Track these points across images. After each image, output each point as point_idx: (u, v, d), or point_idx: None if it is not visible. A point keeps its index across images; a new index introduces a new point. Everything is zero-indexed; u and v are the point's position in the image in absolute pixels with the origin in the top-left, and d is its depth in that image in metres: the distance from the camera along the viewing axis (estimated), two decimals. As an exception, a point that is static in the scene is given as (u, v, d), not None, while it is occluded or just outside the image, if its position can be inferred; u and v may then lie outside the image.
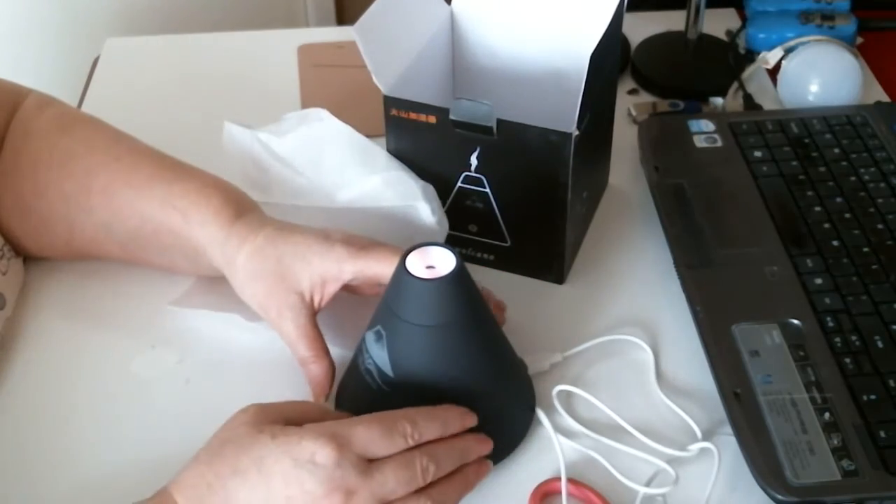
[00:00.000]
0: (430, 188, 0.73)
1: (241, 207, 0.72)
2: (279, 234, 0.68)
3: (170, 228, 0.72)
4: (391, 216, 0.73)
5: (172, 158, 0.76)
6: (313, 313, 0.68)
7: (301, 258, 0.67)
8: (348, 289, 0.70)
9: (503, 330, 0.67)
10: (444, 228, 0.73)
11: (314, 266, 0.66)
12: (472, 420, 0.61)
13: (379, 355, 0.62)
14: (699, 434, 0.67)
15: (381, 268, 0.65)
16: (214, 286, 0.76)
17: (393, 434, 0.57)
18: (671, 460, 0.65)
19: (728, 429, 0.66)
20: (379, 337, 0.62)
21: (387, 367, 0.62)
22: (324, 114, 0.78)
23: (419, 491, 0.58)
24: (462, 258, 0.62)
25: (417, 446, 0.58)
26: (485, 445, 0.62)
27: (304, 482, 0.55)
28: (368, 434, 0.57)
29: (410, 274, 0.61)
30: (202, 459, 0.57)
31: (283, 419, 0.58)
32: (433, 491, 0.58)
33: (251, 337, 0.73)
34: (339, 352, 0.70)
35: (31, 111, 0.78)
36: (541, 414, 0.67)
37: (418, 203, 0.72)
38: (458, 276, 0.61)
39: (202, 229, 0.70)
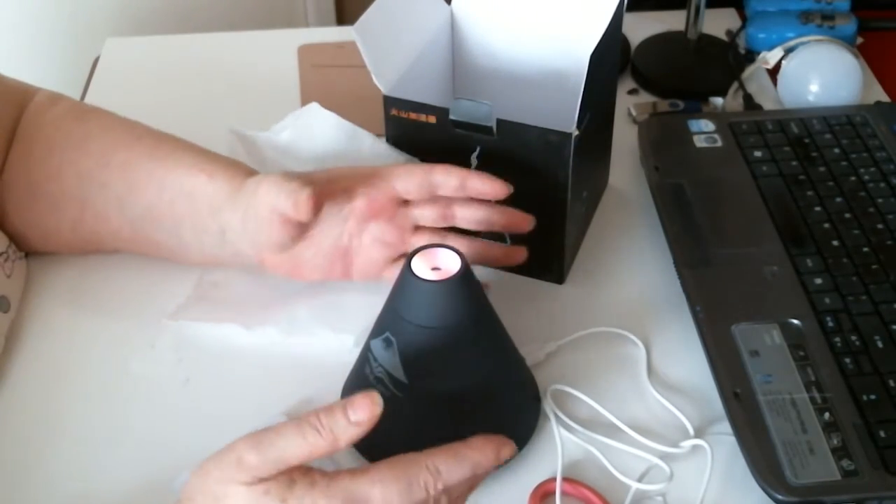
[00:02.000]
0: (416, 161, 0.75)
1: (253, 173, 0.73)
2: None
3: (190, 192, 0.72)
4: None
5: (192, 143, 0.77)
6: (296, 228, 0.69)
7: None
8: (350, 254, 0.71)
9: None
10: None
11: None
12: (508, 451, 0.55)
13: (390, 362, 0.62)
14: (692, 431, 0.67)
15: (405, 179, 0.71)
16: (211, 294, 0.76)
17: (412, 489, 0.51)
18: (664, 457, 0.65)
19: (720, 427, 0.66)
20: (388, 344, 0.62)
21: (399, 374, 0.62)
22: (315, 106, 0.79)
23: None
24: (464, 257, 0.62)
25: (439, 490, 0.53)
26: (504, 451, 0.55)
27: None
28: (385, 495, 0.51)
29: (418, 277, 0.61)
30: None
31: (285, 462, 0.51)
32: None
33: (251, 337, 0.73)
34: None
35: (43, 105, 0.79)
36: (545, 403, 0.68)
37: (402, 158, 0.75)
38: (465, 276, 0.61)
39: (227, 183, 0.72)
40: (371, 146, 0.76)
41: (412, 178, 0.71)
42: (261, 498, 0.50)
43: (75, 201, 0.76)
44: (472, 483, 0.55)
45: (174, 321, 0.75)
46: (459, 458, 0.53)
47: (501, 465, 0.62)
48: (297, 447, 0.50)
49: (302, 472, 0.51)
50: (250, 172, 0.73)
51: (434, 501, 0.52)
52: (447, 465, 0.52)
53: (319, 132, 0.78)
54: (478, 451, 0.54)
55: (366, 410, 0.51)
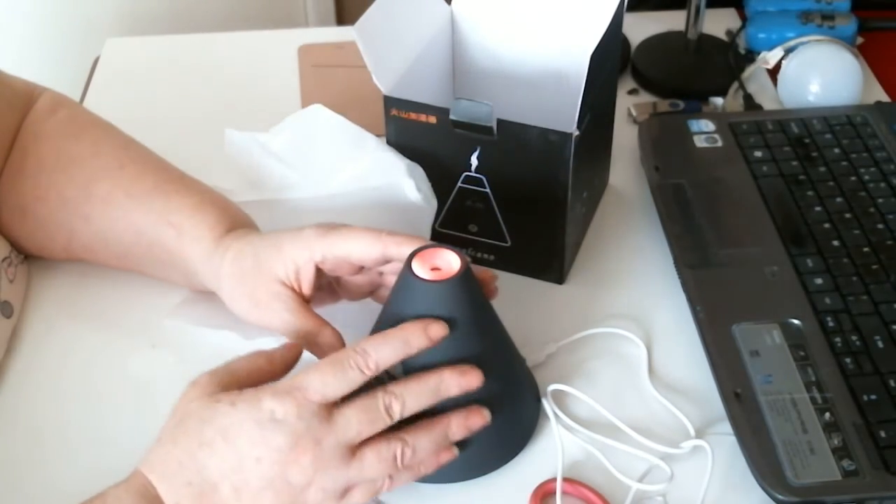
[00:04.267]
0: (418, 167, 0.74)
1: (236, 222, 0.72)
2: (257, 236, 0.69)
3: (164, 245, 0.72)
4: (379, 196, 0.74)
5: (177, 171, 0.76)
6: (303, 300, 0.67)
7: (273, 247, 0.67)
8: (333, 288, 0.70)
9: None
10: (432, 206, 0.73)
11: (285, 252, 0.66)
12: (437, 329, 0.59)
13: None
14: (692, 432, 0.67)
15: (348, 245, 0.64)
16: (210, 297, 0.76)
17: (345, 370, 0.57)
18: (664, 457, 0.65)
19: (721, 427, 0.66)
20: None
21: (399, 374, 0.62)
22: (318, 108, 0.78)
23: (390, 434, 0.58)
24: (466, 257, 0.62)
25: (383, 387, 0.58)
26: (469, 377, 0.60)
27: (270, 440, 0.56)
28: (322, 378, 0.57)
29: (417, 277, 0.61)
30: (166, 438, 0.58)
31: (236, 382, 0.59)
32: (406, 434, 0.58)
33: (250, 342, 0.73)
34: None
35: (42, 113, 0.78)
36: (545, 403, 0.68)
37: (403, 180, 0.72)
38: (465, 276, 0.61)
39: (195, 245, 0.71)
40: (374, 146, 0.76)
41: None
42: (213, 404, 0.57)
43: (63, 229, 0.75)
44: (439, 435, 0.60)
45: (173, 320, 0.75)
46: (386, 336, 0.59)
47: (513, 457, 0.63)
48: (242, 364, 0.60)
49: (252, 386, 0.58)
50: (218, 219, 0.71)
51: (385, 409, 0.57)
52: (373, 344, 0.58)
53: (322, 134, 0.77)
54: (403, 330, 0.59)
55: (291, 344, 0.62)
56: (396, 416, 0.58)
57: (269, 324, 0.68)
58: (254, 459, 0.56)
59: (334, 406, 0.57)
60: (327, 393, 0.57)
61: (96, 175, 0.75)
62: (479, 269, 0.66)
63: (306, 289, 0.67)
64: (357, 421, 0.57)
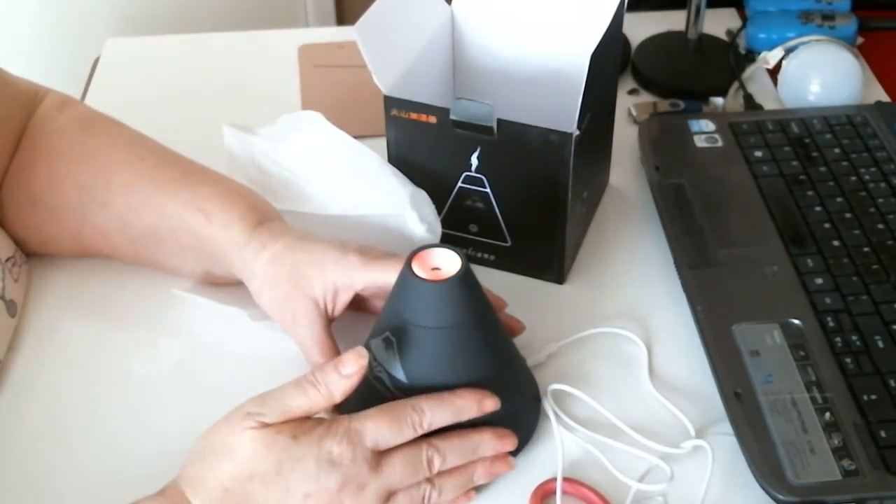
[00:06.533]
0: (422, 194, 0.73)
1: (265, 215, 0.72)
2: (297, 242, 0.69)
3: (190, 228, 0.72)
4: (382, 225, 0.73)
5: (198, 164, 0.76)
6: (327, 321, 0.69)
7: (316, 265, 0.67)
8: (358, 303, 0.71)
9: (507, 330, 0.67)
10: (436, 234, 0.73)
11: (328, 273, 0.67)
12: (491, 404, 0.62)
13: (390, 362, 0.62)
14: (692, 432, 0.67)
15: (392, 277, 0.65)
16: (216, 288, 0.76)
17: (401, 425, 0.59)
18: (665, 457, 0.65)
19: (721, 427, 0.66)
20: (389, 344, 0.62)
21: (399, 374, 0.62)
22: (318, 117, 0.78)
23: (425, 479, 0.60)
24: (467, 257, 0.62)
25: (427, 437, 0.60)
26: (505, 441, 0.63)
27: (322, 479, 0.57)
28: (377, 428, 0.58)
29: (418, 277, 0.61)
30: (211, 463, 0.58)
31: (288, 413, 0.58)
32: (436, 478, 0.60)
33: (252, 335, 0.73)
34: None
35: (50, 111, 0.78)
36: (545, 403, 0.68)
37: (406, 212, 0.72)
38: (466, 276, 0.61)
39: (225, 232, 0.71)
40: (377, 170, 0.75)
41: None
42: (272, 436, 0.57)
43: (75, 214, 0.75)
44: (464, 480, 0.62)
45: (183, 293, 0.75)
46: (442, 401, 0.60)
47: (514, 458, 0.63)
48: (298, 400, 0.58)
49: (308, 418, 0.59)
50: (248, 209, 0.71)
51: (427, 462, 0.59)
52: (430, 405, 0.60)
53: (324, 149, 0.77)
54: (459, 398, 0.61)
55: (353, 364, 0.59)
56: (436, 470, 0.60)
57: (287, 330, 0.69)
58: (302, 495, 0.57)
59: (383, 454, 0.59)
60: (380, 442, 0.59)
61: (116, 165, 0.75)
62: (492, 297, 0.68)
63: (338, 311, 0.69)
64: (401, 471, 0.59)
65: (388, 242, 0.71)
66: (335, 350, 0.68)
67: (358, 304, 0.71)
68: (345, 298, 0.68)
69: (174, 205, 0.72)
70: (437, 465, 0.60)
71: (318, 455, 0.57)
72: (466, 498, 0.63)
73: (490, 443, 0.62)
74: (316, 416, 0.60)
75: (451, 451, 0.61)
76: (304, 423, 0.58)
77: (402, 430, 0.59)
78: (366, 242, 0.69)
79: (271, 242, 0.69)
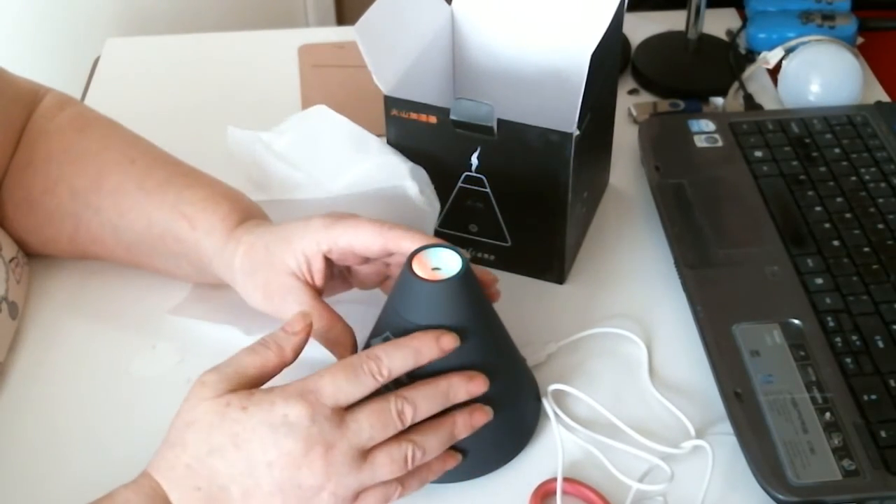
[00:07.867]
0: (421, 170, 0.73)
1: (247, 214, 0.72)
2: (267, 229, 0.69)
3: (176, 235, 0.72)
4: (382, 199, 0.73)
5: (188, 165, 0.76)
6: (316, 292, 0.68)
7: (284, 240, 0.67)
8: (345, 273, 0.70)
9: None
10: (435, 208, 0.73)
11: (294, 244, 0.67)
12: (449, 340, 0.60)
13: None
14: (693, 432, 0.67)
15: (352, 236, 0.64)
16: (213, 293, 0.76)
17: (359, 375, 0.57)
18: (665, 457, 0.65)
19: (721, 427, 0.66)
20: None
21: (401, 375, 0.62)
22: (323, 109, 0.78)
23: (400, 436, 0.58)
24: (467, 257, 0.62)
25: (395, 390, 0.59)
26: (476, 382, 0.61)
27: (282, 444, 0.56)
28: (335, 382, 0.57)
29: (418, 277, 0.61)
30: (174, 441, 0.58)
31: (246, 381, 0.58)
32: (415, 435, 0.59)
33: (251, 337, 0.73)
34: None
35: (49, 110, 0.78)
36: (545, 403, 0.68)
37: (405, 182, 0.72)
38: (465, 276, 0.61)
39: (208, 237, 0.71)
40: (377, 149, 0.75)
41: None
42: (223, 408, 0.56)
43: (70, 218, 0.75)
44: (447, 434, 0.60)
45: (175, 316, 0.75)
46: (398, 345, 0.59)
47: (513, 456, 0.63)
48: (250, 359, 0.59)
49: (258, 389, 0.58)
50: (230, 211, 0.71)
51: (398, 414, 0.57)
52: (385, 350, 0.59)
53: (326, 135, 0.77)
54: (414, 339, 0.60)
55: (299, 322, 0.60)
56: (408, 421, 0.58)
57: (283, 316, 0.68)
58: (265, 464, 0.56)
59: (346, 410, 0.57)
60: (340, 398, 0.57)
61: (107, 168, 0.75)
62: (480, 271, 0.66)
63: (318, 279, 0.67)
64: (369, 426, 0.57)
65: (387, 215, 0.71)
66: (334, 315, 0.67)
67: (345, 277, 0.71)
68: (318, 264, 0.67)
69: (160, 212, 0.72)
70: (408, 415, 0.58)
71: (271, 421, 0.56)
72: (454, 460, 0.62)
73: (461, 385, 0.60)
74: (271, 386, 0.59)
75: (422, 398, 0.59)
76: (253, 394, 0.57)
77: (360, 379, 0.57)
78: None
79: (245, 237, 0.69)
